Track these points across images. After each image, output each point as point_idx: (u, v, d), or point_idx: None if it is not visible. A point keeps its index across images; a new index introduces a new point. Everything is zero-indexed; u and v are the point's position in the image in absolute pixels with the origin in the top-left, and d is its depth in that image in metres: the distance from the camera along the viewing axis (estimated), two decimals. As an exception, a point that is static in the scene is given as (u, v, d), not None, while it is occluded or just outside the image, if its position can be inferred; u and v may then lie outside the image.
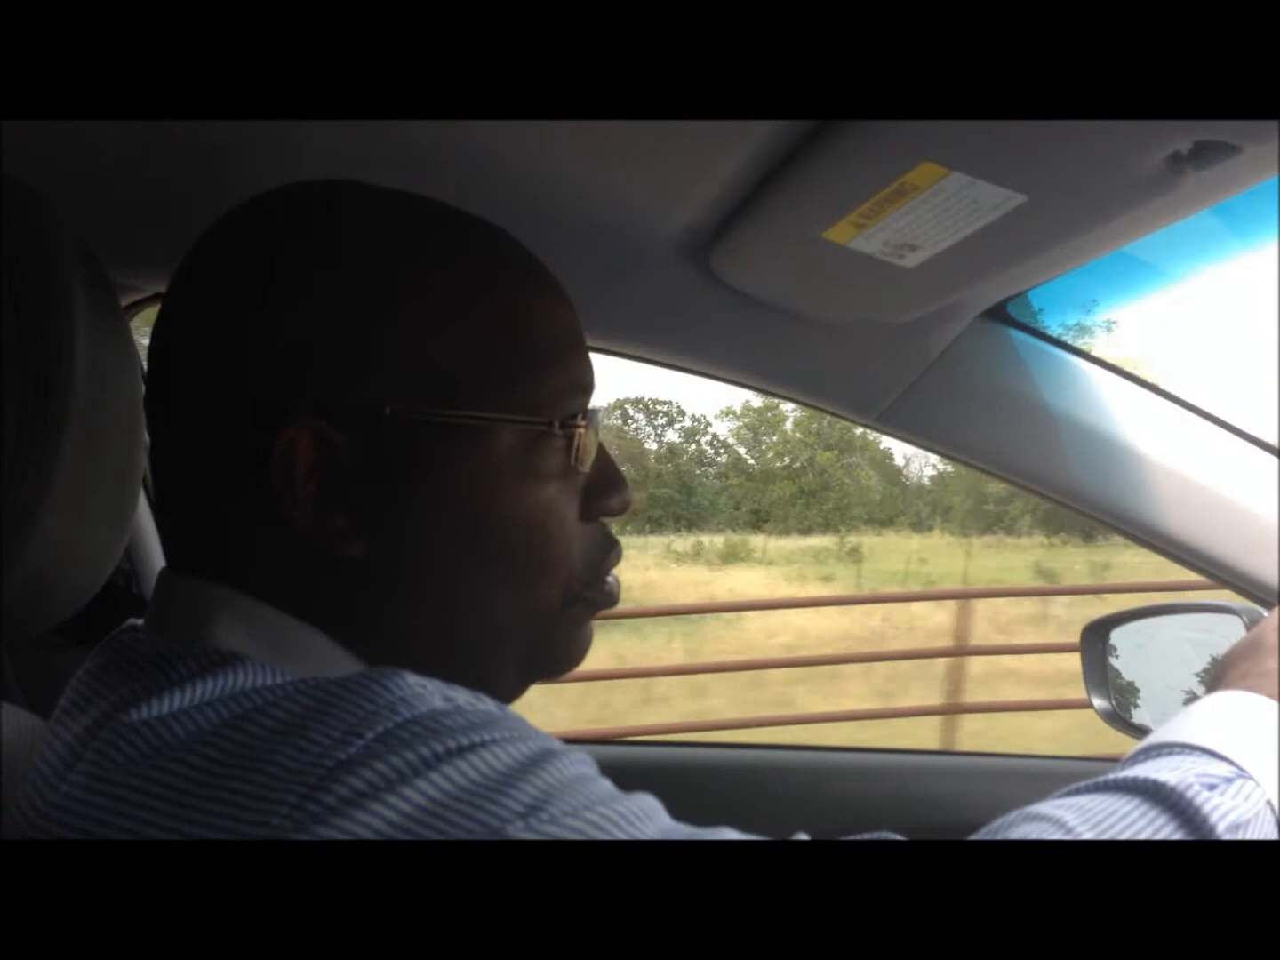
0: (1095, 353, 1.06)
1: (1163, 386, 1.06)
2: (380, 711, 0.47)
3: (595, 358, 0.69)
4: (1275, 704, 0.68)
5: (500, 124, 0.74)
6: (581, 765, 0.51)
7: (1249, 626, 0.98)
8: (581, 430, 0.61)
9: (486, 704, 0.53)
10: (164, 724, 0.49)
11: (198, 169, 0.82)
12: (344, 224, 0.59)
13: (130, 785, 0.48)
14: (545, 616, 0.62)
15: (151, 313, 0.92)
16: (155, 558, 1.14)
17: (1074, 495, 1.10)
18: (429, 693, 0.50)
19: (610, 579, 0.66)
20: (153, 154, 0.82)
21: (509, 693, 0.63)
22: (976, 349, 1.04)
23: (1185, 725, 0.68)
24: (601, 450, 0.65)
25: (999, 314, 1.03)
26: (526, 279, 0.62)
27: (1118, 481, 1.06)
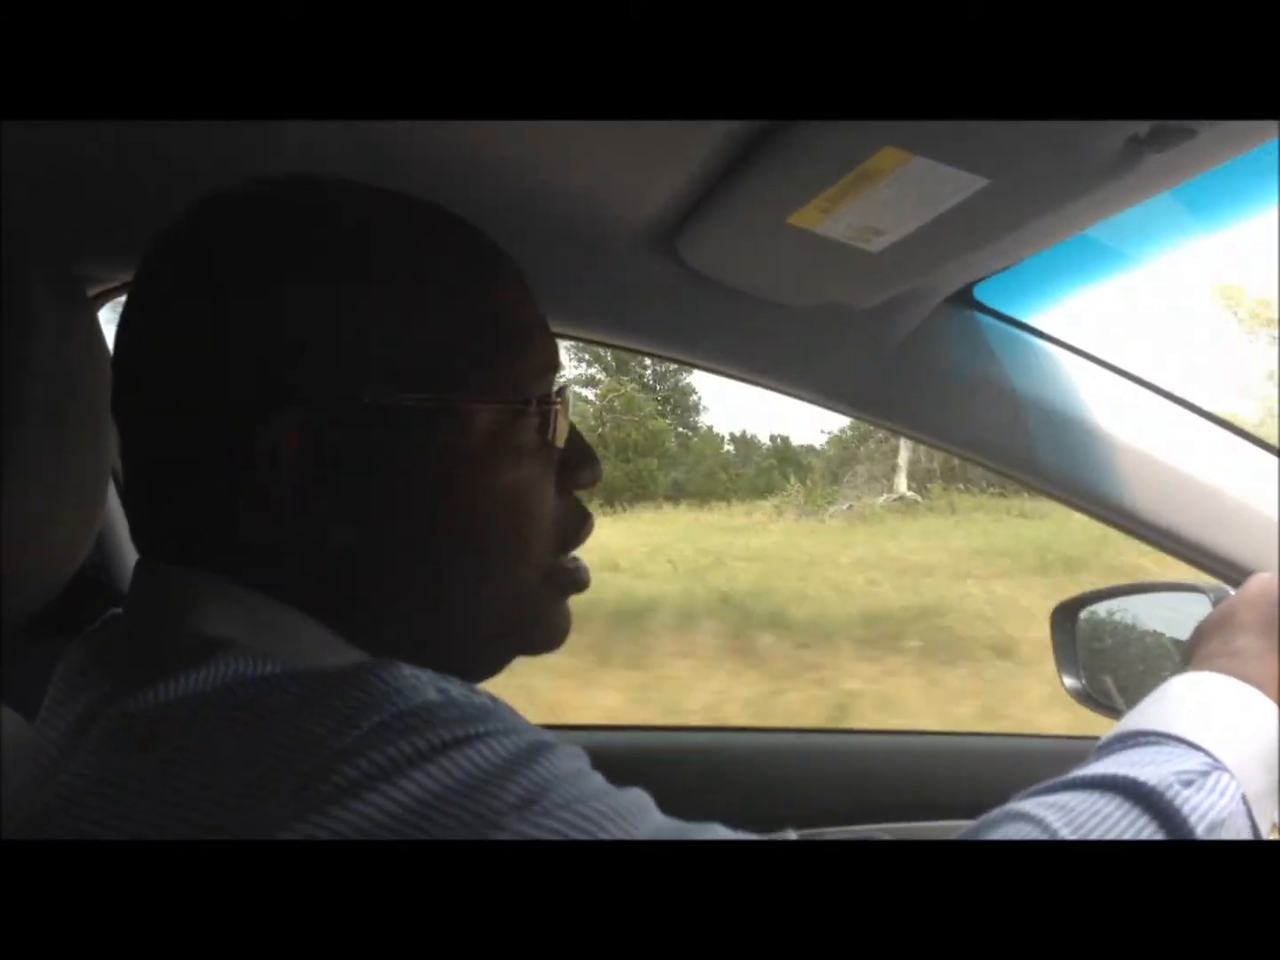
0: (1059, 335, 1.07)
1: (1124, 368, 1.07)
2: (376, 702, 0.47)
3: (563, 343, 0.70)
4: (1244, 685, 0.69)
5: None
6: (575, 759, 0.51)
7: (1216, 605, 0.99)
8: (557, 407, 0.63)
9: (480, 695, 0.54)
10: (161, 714, 0.49)
11: (165, 160, 0.82)
12: (314, 217, 0.59)
13: (131, 775, 0.48)
14: (522, 593, 0.63)
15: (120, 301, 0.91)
16: (125, 547, 1.14)
17: (1041, 476, 1.11)
18: (423, 683, 0.50)
19: (580, 562, 0.67)
20: (120, 146, 0.82)
21: (490, 668, 0.64)
22: (943, 333, 1.05)
23: (1158, 711, 0.69)
24: (571, 426, 0.66)
25: (965, 298, 1.04)
26: (492, 265, 0.63)
27: (1083, 462, 1.07)
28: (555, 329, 1.06)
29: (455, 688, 0.53)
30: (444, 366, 0.58)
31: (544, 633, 0.66)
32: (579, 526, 0.66)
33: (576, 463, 0.66)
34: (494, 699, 0.55)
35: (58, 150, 0.82)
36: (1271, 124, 0.63)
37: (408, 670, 0.50)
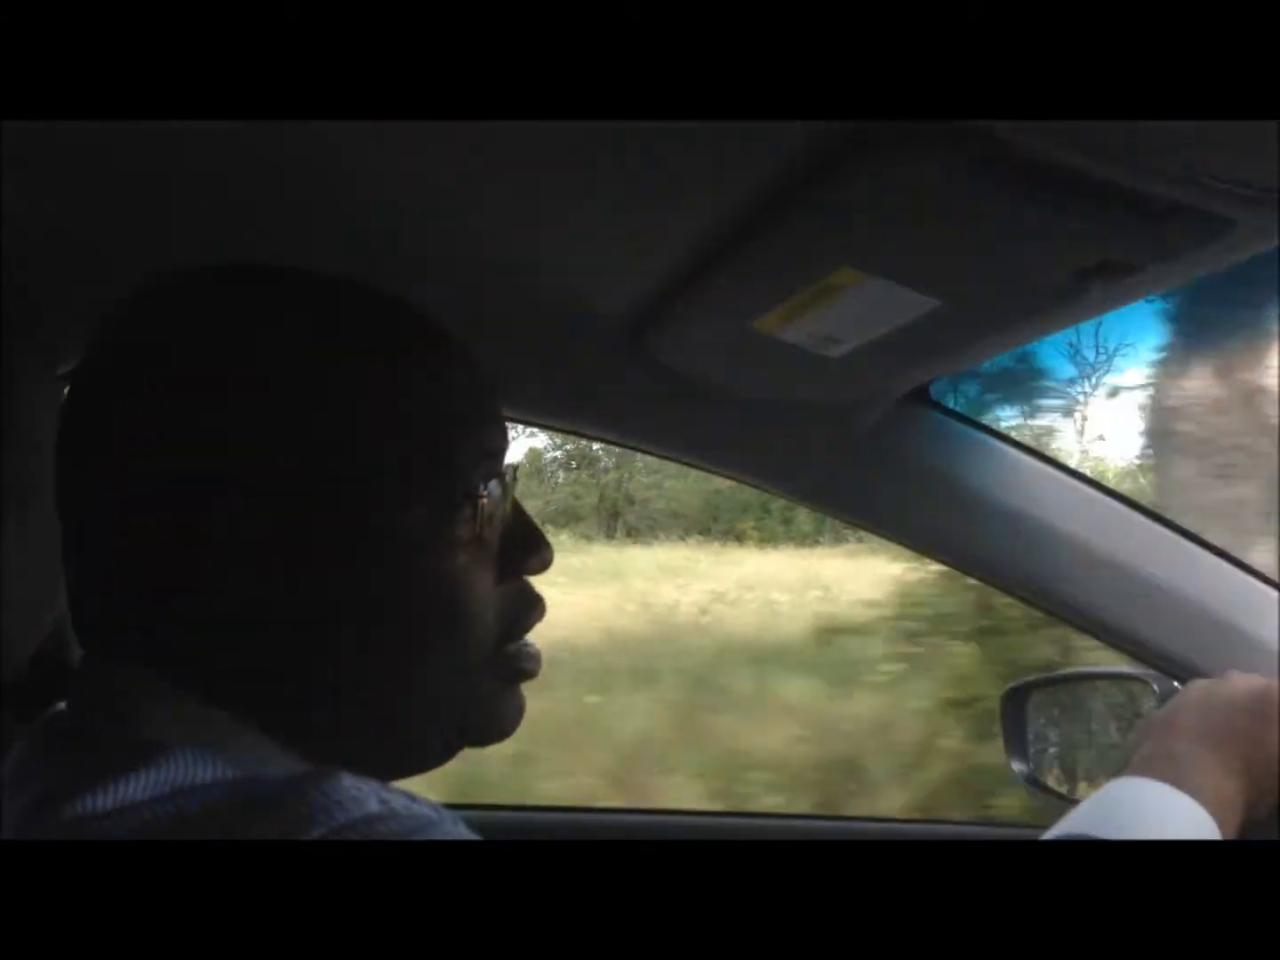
0: (1013, 435, 1.10)
1: (1077, 469, 1.10)
2: (315, 815, 0.47)
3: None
4: (1176, 792, 0.69)
5: (441, 193, 0.76)
6: None
7: (1161, 696, 1.01)
8: (484, 501, 0.60)
9: (422, 806, 0.54)
10: (99, 823, 0.49)
11: (139, 231, 0.83)
12: (239, 311, 0.59)
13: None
14: (462, 686, 0.61)
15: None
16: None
17: (996, 573, 1.13)
18: (364, 795, 0.50)
19: (528, 648, 0.65)
20: (94, 211, 0.83)
21: (437, 759, 0.63)
22: (900, 429, 1.07)
23: (1092, 816, 0.70)
24: (518, 508, 0.65)
25: (922, 396, 1.07)
26: (426, 348, 0.61)
27: (1036, 558, 1.10)
28: (519, 416, 1.08)
29: (396, 799, 0.52)
30: (367, 459, 0.57)
31: (491, 723, 0.64)
32: (527, 612, 0.64)
33: (521, 548, 0.63)
34: (437, 810, 0.54)
35: (36, 212, 0.82)
36: (1207, 258, 0.66)
37: (348, 782, 0.50)
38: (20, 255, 0.82)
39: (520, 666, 0.64)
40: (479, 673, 0.61)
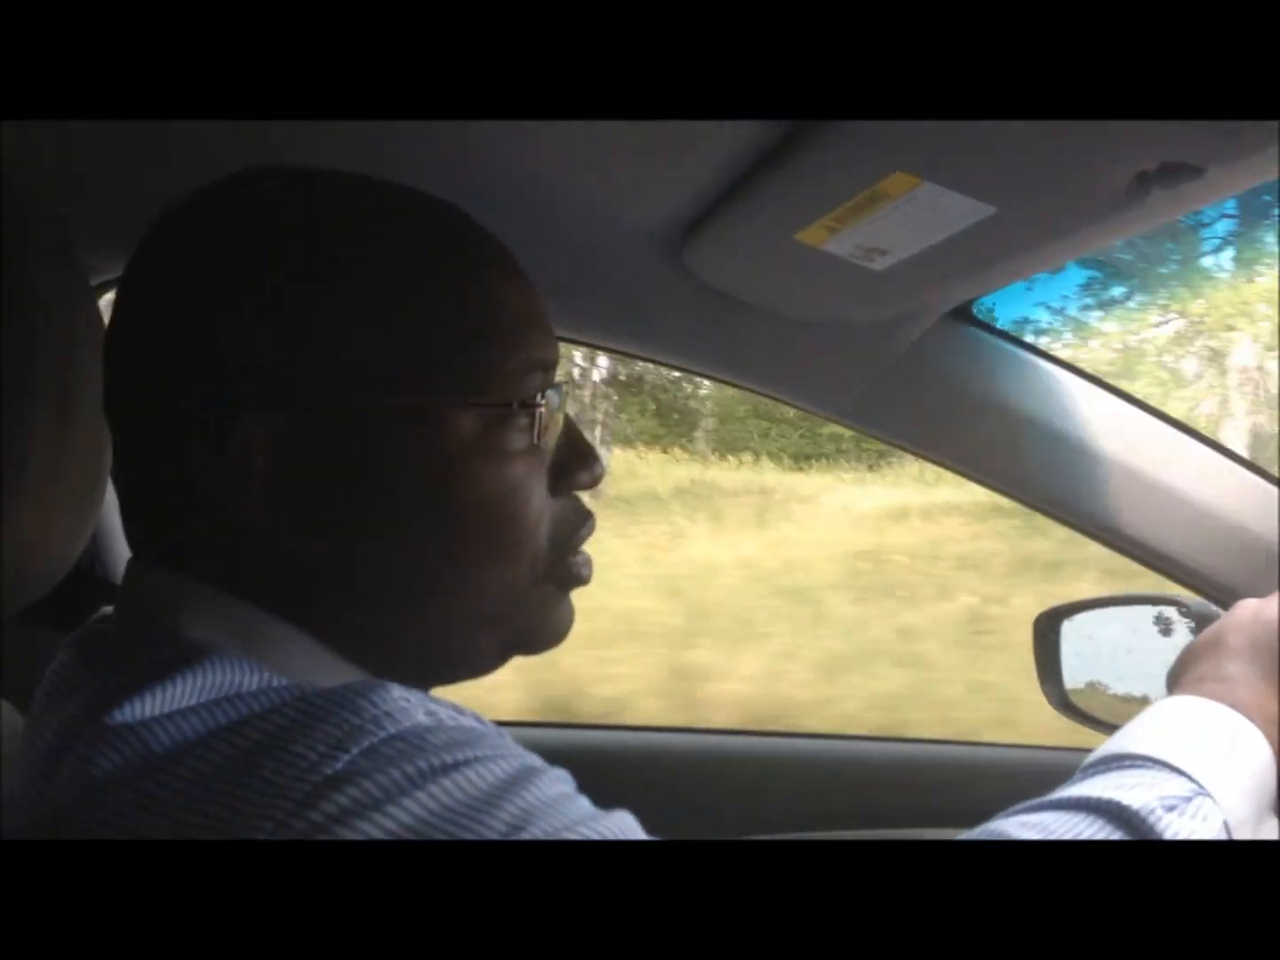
0: (1057, 353, 1.08)
1: (1120, 388, 1.08)
2: (365, 726, 0.48)
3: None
4: (1232, 711, 0.69)
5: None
6: (561, 784, 0.51)
7: (1196, 620, 1.00)
8: (542, 409, 0.60)
9: (468, 718, 0.54)
10: (148, 729, 0.49)
11: (167, 151, 0.82)
12: (291, 215, 0.58)
13: (116, 797, 0.48)
14: (516, 593, 0.61)
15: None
16: (121, 541, 1.14)
17: (1033, 492, 1.12)
18: (412, 706, 0.50)
19: (580, 557, 0.65)
20: (122, 138, 0.82)
21: (487, 666, 0.63)
22: (941, 348, 1.05)
23: (1144, 734, 0.69)
24: (570, 424, 0.65)
25: (964, 314, 1.05)
26: (479, 257, 0.61)
27: (1075, 479, 1.08)
28: (558, 333, 1.07)
29: (444, 710, 0.53)
30: (421, 368, 0.57)
31: (542, 630, 0.65)
32: (578, 528, 0.65)
33: (572, 464, 0.64)
34: (482, 720, 0.55)
35: (62, 138, 0.81)
36: (1274, 161, 0.64)
37: (397, 692, 0.50)
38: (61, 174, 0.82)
39: (572, 574, 0.64)
40: (533, 581, 0.62)
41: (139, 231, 0.61)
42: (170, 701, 0.50)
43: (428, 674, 0.62)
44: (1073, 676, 1.19)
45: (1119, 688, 1.17)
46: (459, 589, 0.59)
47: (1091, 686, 1.19)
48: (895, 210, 0.73)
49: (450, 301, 0.58)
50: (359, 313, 0.56)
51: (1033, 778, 0.69)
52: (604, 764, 0.52)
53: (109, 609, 0.62)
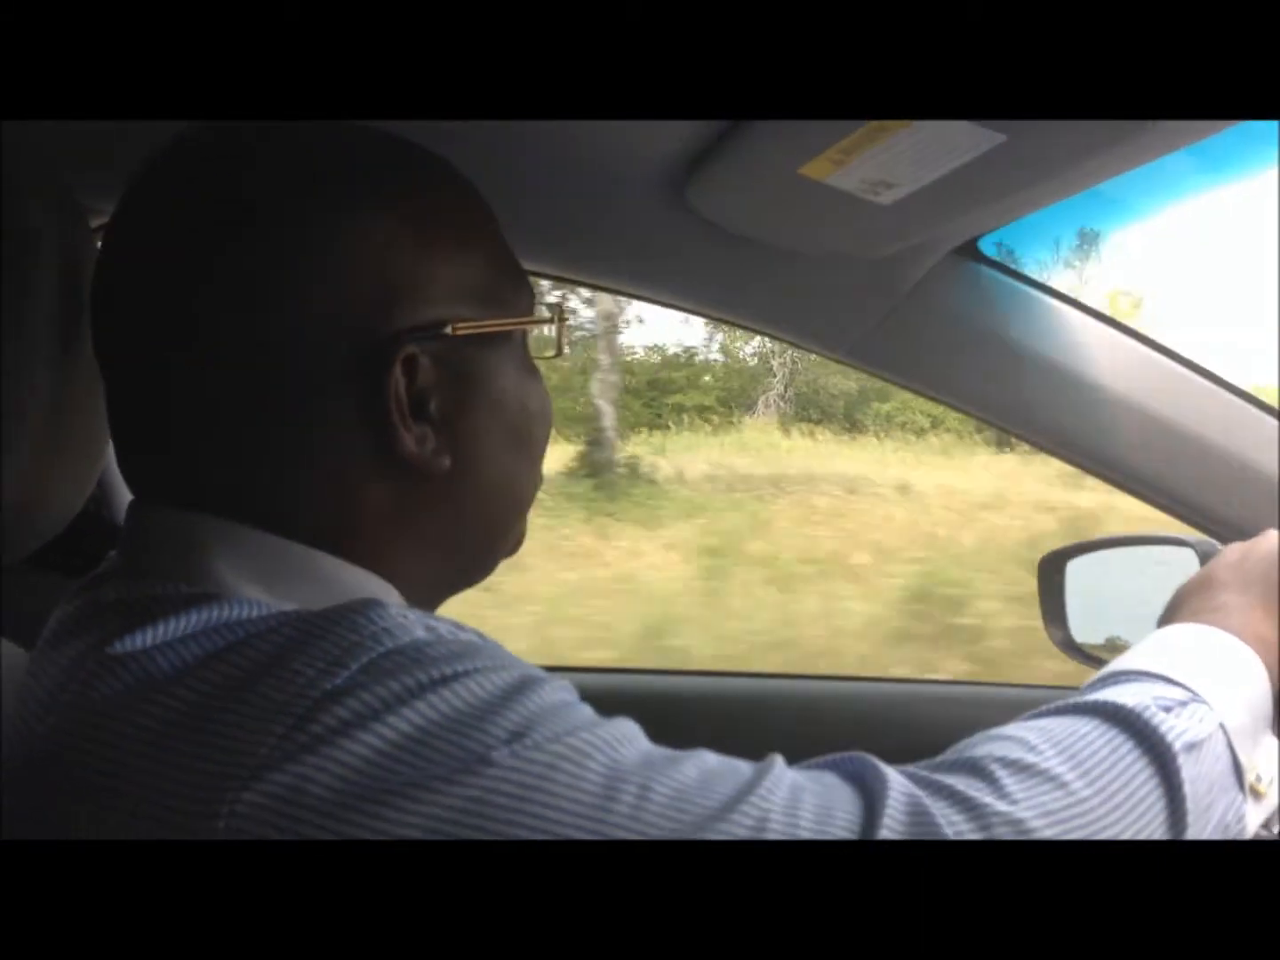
0: (1063, 288, 1.07)
1: (1127, 324, 1.08)
2: (364, 642, 0.48)
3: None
4: (1225, 634, 0.70)
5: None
6: (562, 692, 0.52)
7: (1203, 559, 1.00)
8: (569, 320, 0.69)
9: (468, 633, 0.55)
10: (148, 656, 0.50)
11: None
12: (373, 159, 0.60)
13: (118, 718, 0.49)
14: (534, 495, 0.69)
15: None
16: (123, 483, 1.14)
17: (1037, 429, 1.12)
18: (411, 622, 0.51)
19: None
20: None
21: (491, 572, 0.69)
22: (947, 285, 1.05)
23: (1140, 655, 0.70)
24: None
25: (970, 251, 1.04)
26: (487, 206, 0.66)
27: (1080, 416, 1.08)
28: (562, 273, 1.07)
29: (443, 626, 0.53)
30: (492, 295, 0.62)
31: (521, 535, 0.70)
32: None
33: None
34: (481, 636, 0.55)
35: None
36: None
37: (395, 609, 0.51)
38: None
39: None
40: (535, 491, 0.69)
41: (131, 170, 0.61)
42: (172, 632, 0.51)
43: (456, 582, 0.66)
44: (1077, 616, 1.19)
45: (1124, 628, 1.18)
46: (516, 492, 0.67)
47: (1096, 626, 1.20)
48: (901, 141, 0.72)
49: (488, 239, 0.64)
50: (446, 253, 0.60)
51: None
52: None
53: (115, 554, 0.62)
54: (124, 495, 1.13)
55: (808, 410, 13.35)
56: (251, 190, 0.56)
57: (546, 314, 0.69)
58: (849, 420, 12.87)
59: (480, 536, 0.65)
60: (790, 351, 11.64)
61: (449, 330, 0.59)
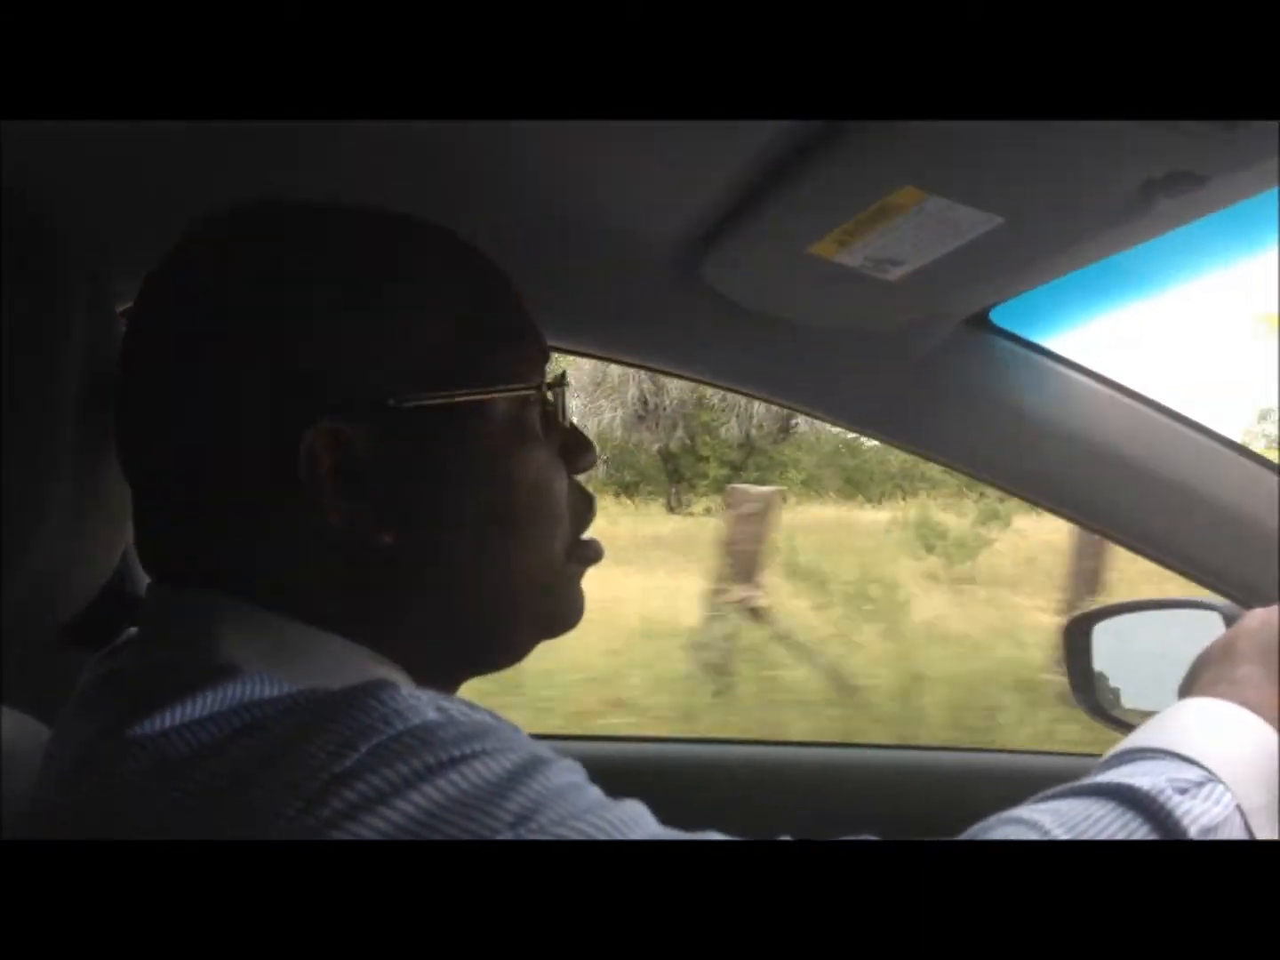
0: (1077, 358, 1.07)
1: (1141, 391, 1.08)
2: (374, 724, 0.49)
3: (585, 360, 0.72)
4: (1243, 709, 0.69)
5: (493, 125, 0.75)
6: (570, 774, 0.52)
7: (1228, 622, 1.00)
8: (566, 388, 0.66)
9: (479, 713, 0.55)
10: (167, 739, 0.50)
11: (183, 174, 0.83)
12: (333, 234, 0.61)
13: (136, 801, 0.49)
14: (551, 573, 0.65)
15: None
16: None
17: (1054, 497, 1.12)
18: (422, 704, 0.51)
19: (593, 539, 0.69)
20: (142, 159, 0.83)
21: (519, 653, 0.67)
22: (959, 355, 1.05)
23: (1156, 731, 0.69)
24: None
25: (981, 321, 1.05)
26: (481, 267, 0.65)
27: (1096, 484, 1.08)
28: (574, 347, 1.09)
29: (455, 707, 0.54)
30: (455, 365, 0.60)
31: (568, 612, 0.68)
32: (586, 508, 0.69)
33: (576, 448, 0.68)
34: (495, 716, 0.56)
35: (83, 161, 0.83)
36: (1274, 169, 0.64)
37: (407, 691, 0.51)
38: (85, 197, 0.83)
39: (591, 552, 0.69)
40: (561, 566, 0.66)
41: (157, 255, 0.63)
42: (190, 715, 0.51)
43: (467, 664, 0.65)
44: (1104, 682, 1.18)
45: (1150, 693, 1.16)
46: (507, 570, 0.63)
47: (1122, 691, 1.19)
48: (905, 222, 0.74)
49: (470, 304, 0.62)
50: (398, 323, 0.60)
51: (1050, 782, 0.69)
52: (612, 776, 0.53)
53: (134, 631, 0.64)
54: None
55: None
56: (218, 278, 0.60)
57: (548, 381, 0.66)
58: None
59: (476, 617, 0.63)
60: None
61: (390, 403, 0.58)
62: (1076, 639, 1.20)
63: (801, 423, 13.68)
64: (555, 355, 0.85)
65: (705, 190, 0.83)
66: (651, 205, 0.88)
